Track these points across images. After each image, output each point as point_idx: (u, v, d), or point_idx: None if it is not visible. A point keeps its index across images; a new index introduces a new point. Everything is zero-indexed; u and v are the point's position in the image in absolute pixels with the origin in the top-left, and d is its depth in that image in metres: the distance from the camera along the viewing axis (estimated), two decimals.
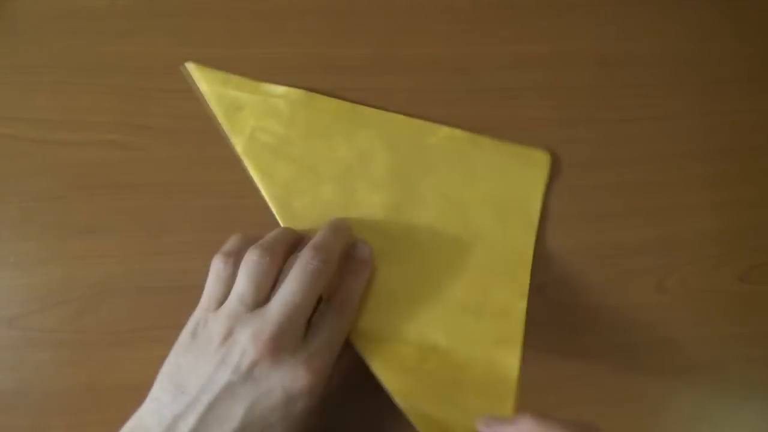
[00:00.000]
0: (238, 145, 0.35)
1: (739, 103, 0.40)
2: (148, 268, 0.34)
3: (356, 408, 0.34)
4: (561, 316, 0.36)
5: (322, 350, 0.28)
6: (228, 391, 0.27)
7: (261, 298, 0.28)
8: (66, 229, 0.35)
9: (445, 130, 0.37)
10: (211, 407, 0.27)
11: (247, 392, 0.27)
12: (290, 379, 0.27)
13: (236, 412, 0.26)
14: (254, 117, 0.36)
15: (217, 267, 0.29)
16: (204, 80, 0.36)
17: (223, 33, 0.37)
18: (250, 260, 0.29)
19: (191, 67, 0.36)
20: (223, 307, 0.28)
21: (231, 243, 0.30)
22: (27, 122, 0.36)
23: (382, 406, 0.34)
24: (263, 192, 0.35)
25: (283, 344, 0.27)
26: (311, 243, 0.30)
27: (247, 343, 0.27)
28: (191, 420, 0.26)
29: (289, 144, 0.35)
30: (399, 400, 0.31)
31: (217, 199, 0.36)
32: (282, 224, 0.34)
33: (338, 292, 0.31)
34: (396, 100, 0.37)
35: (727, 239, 0.38)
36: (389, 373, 0.32)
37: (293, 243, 0.31)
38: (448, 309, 0.33)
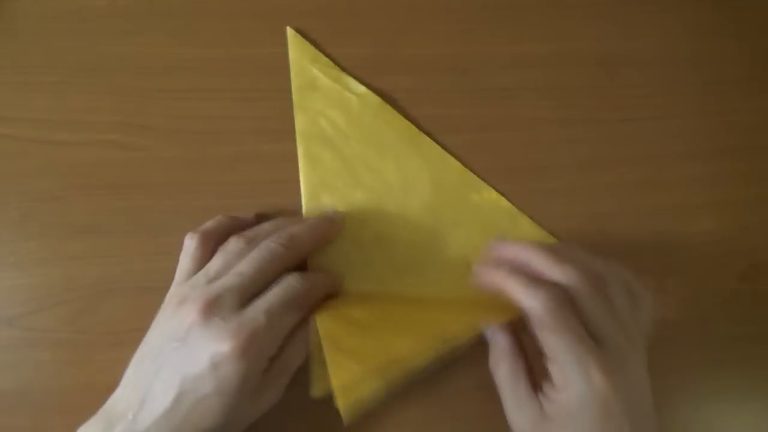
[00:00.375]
0: (299, 121, 0.36)
1: (739, 103, 0.40)
2: (148, 268, 0.34)
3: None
4: None
5: (255, 320, 0.27)
6: (167, 357, 0.27)
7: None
8: (66, 229, 0.35)
9: (491, 194, 0.36)
10: (156, 375, 0.27)
11: (180, 358, 0.27)
12: (215, 343, 0.26)
13: (173, 381, 0.26)
14: (324, 102, 0.36)
15: (187, 244, 0.31)
16: (295, 49, 0.37)
17: (223, 33, 0.38)
18: (230, 248, 0.30)
19: (290, 33, 0.37)
20: (191, 279, 0.29)
21: (209, 224, 0.32)
22: (27, 122, 0.36)
23: (382, 404, 0.34)
24: (300, 174, 0.35)
25: (216, 310, 0.27)
26: (285, 229, 0.31)
27: (189, 307, 0.27)
28: (142, 389, 0.27)
29: (344, 140, 0.36)
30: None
31: (217, 199, 0.36)
32: (304, 212, 0.35)
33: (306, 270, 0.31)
34: (396, 100, 0.38)
35: (727, 239, 0.38)
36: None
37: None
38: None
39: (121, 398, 0.28)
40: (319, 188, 0.35)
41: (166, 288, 0.31)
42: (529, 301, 0.27)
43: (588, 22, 0.40)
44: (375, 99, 0.37)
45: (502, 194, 0.37)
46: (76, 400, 0.33)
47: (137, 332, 0.31)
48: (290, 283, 0.29)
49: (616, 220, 0.38)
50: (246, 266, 0.29)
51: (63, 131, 0.36)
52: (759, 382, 0.36)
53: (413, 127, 0.37)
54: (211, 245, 0.31)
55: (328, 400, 0.34)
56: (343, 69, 0.38)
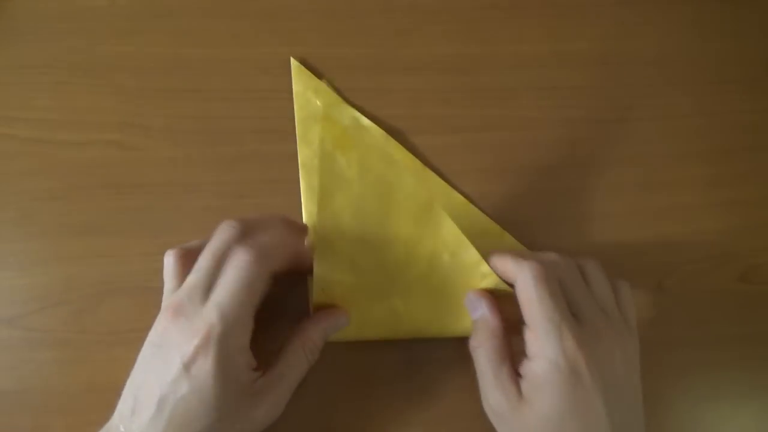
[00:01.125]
0: (301, 154, 0.36)
1: (739, 103, 0.40)
2: (148, 268, 0.34)
3: (355, 408, 0.34)
4: None
5: (208, 317, 0.26)
6: (148, 365, 0.27)
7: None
8: (66, 229, 0.35)
9: (496, 229, 0.36)
10: (140, 386, 0.27)
11: (158, 365, 0.27)
12: (184, 344, 0.26)
13: (154, 388, 0.26)
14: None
15: (166, 262, 0.29)
16: (299, 81, 0.37)
17: (223, 33, 0.38)
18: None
19: (294, 64, 0.37)
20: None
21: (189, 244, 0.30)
22: (27, 122, 0.36)
23: (382, 405, 0.34)
24: (303, 206, 0.35)
25: (181, 310, 0.27)
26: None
27: (162, 315, 0.27)
28: (130, 401, 0.27)
29: (347, 174, 0.33)
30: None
31: (218, 199, 0.36)
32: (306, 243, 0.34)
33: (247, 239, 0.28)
34: (396, 100, 0.38)
35: (727, 239, 0.38)
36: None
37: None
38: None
39: (118, 412, 0.28)
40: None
41: None
42: (518, 270, 0.29)
43: (588, 22, 0.40)
44: (379, 132, 0.37)
45: (503, 194, 0.37)
46: (77, 399, 0.33)
47: (137, 332, 0.31)
48: (238, 264, 0.27)
49: (616, 220, 0.38)
50: (202, 260, 0.28)
51: (63, 131, 0.36)
52: (759, 382, 0.36)
53: (417, 161, 0.37)
54: (191, 259, 0.29)
55: (329, 403, 0.34)
56: (343, 69, 0.38)
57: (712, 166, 0.39)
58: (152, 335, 0.28)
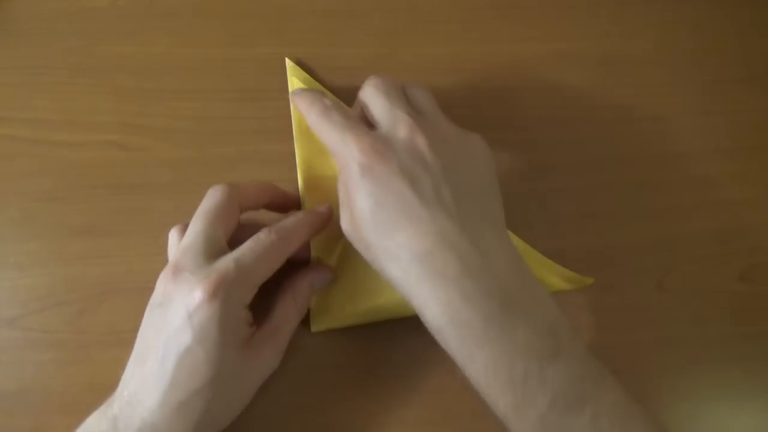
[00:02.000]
0: (298, 152, 0.35)
1: (739, 103, 0.40)
2: (148, 269, 0.34)
3: (354, 407, 0.34)
4: None
5: (225, 266, 0.27)
6: (149, 324, 0.28)
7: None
8: (66, 229, 0.35)
9: None
10: (141, 345, 0.28)
11: (160, 320, 0.27)
12: (188, 295, 0.26)
13: (156, 343, 0.27)
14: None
15: (169, 237, 0.31)
16: (294, 81, 0.36)
17: (223, 33, 0.38)
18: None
19: (289, 64, 0.37)
20: None
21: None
22: (27, 123, 0.36)
23: (381, 405, 0.34)
24: (301, 202, 0.35)
25: (183, 266, 0.27)
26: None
27: (161, 277, 0.28)
28: (132, 363, 0.28)
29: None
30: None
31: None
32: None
33: (272, 225, 0.30)
34: None
35: (727, 239, 0.38)
36: None
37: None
38: None
39: (121, 380, 0.28)
40: None
41: None
42: (308, 114, 0.31)
43: (588, 21, 0.40)
44: None
45: (503, 194, 0.37)
46: (77, 400, 0.33)
47: (137, 332, 0.31)
48: (260, 237, 0.29)
49: (616, 220, 0.38)
50: (203, 223, 0.29)
51: (63, 131, 0.36)
52: (759, 381, 0.36)
53: None
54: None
55: (329, 402, 0.34)
56: (343, 69, 0.38)
57: (712, 166, 0.39)
58: (152, 299, 0.28)
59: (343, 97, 0.37)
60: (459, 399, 0.34)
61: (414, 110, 0.30)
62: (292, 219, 0.31)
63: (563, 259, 0.36)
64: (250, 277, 0.28)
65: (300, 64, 0.38)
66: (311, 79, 0.37)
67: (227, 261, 0.27)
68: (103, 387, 0.33)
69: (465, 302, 0.25)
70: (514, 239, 0.34)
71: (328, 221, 0.32)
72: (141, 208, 0.35)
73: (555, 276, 0.34)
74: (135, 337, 0.31)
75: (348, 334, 0.34)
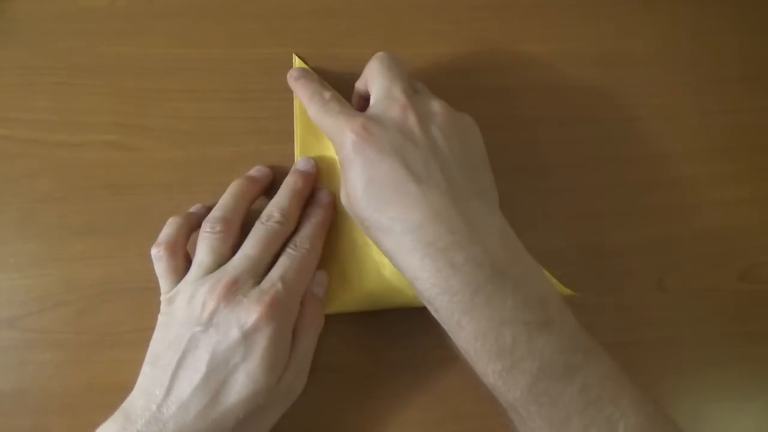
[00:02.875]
0: (297, 151, 0.36)
1: (738, 102, 0.40)
2: (148, 269, 0.34)
3: (355, 408, 0.34)
4: None
5: (274, 287, 0.29)
6: (192, 343, 0.28)
7: (222, 263, 0.30)
8: (66, 230, 0.35)
9: None
10: (180, 363, 0.28)
11: (209, 339, 0.28)
12: (244, 316, 0.28)
13: (202, 360, 0.27)
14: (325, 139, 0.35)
15: (157, 258, 0.31)
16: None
17: (223, 33, 0.38)
18: (204, 233, 0.31)
19: (296, 60, 0.37)
20: (185, 277, 0.30)
21: (168, 230, 0.32)
22: (27, 123, 0.36)
23: (382, 405, 0.34)
24: None
25: (235, 289, 0.29)
26: (272, 202, 0.32)
27: (206, 296, 0.28)
28: (165, 379, 0.28)
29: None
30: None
31: (217, 200, 0.35)
32: None
33: (294, 236, 0.32)
34: None
35: (727, 238, 0.38)
36: None
37: (243, 210, 0.33)
38: None
39: (140, 395, 0.28)
40: None
41: None
42: (308, 106, 0.32)
43: (587, 21, 0.40)
44: None
45: (503, 194, 0.37)
46: (77, 400, 0.33)
47: (138, 333, 0.31)
48: (292, 253, 0.31)
49: (616, 220, 0.38)
50: (251, 248, 0.30)
51: (63, 132, 0.36)
52: (759, 381, 0.36)
53: None
54: (180, 251, 0.32)
55: (328, 402, 0.34)
56: (343, 69, 0.38)
57: (711, 165, 0.39)
58: (189, 317, 0.29)
59: (343, 96, 0.37)
60: (459, 399, 0.34)
61: (411, 89, 0.31)
62: (310, 225, 0.32)
63: (563, 259, 0.36)
64: (295, 293, 0.30)
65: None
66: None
67: (274, 281, 0.29)
68: (102, 387, 0.33)
69: (454, 272, 0.26)
70: None
71: (335, 204, 0.34)
72: (141, 208, 0.35)
73: None
74: (134, 337, 0.31)
75: (348, 334, 0.34)
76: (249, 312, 0.28)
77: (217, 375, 0.27)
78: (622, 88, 0.40)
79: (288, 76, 0.35)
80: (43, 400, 0.33)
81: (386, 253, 0.29)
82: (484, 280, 0.26)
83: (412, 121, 0.29)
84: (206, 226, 0.31)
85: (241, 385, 0.27)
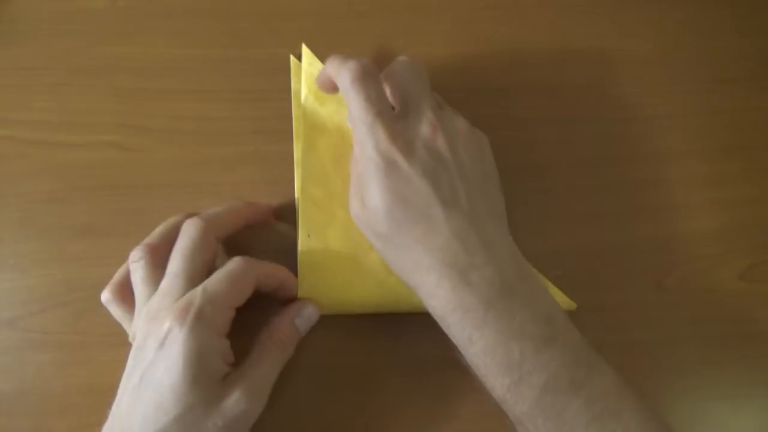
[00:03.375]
0: (296, 151, 0.36)
1: (739, 102, 0.40)
2: None
3: (355, 408, 0.34)
4: None
5: (190, 295, 0.27)
6: (128, 367, 0.28)
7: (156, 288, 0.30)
8: (66, 230, 0.35)
9: None
10: (120, 391, 0.28)
11: (136, 359, 0.27)
12: (158, 326, 0.27)
13: (133, 380, 0.27)
14: (324, 136, 0.35)
15: (106, 305, 0.31)
16: (297, 79, 0.36)
17: (222, 33, 0.38)
18: (130, 265, 0.31)
19: (294, 63, 0.37)
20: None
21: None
22: (26, 124, 0.36)
23: (382, 405, 0.34)
24: (297, 200, 0.35)
25: (160, 308, 0.28)
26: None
27: (141, 324, 0.28)
28: (112, 409, 0.28)
29: (341, 174, 0.34)
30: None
31: (217, 200, 0.35)
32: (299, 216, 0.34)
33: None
34: None
35: (728, 238, 0.38)
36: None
37: (169, 237, 0.32)
38: None
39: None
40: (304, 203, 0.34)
41: None
42: (338, 74, 0.30)
43: (587, 21, 0.40)
44: None
45: (503, 194, 0.37)
46: (77, 401, 0.33)
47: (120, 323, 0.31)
48: (227, 263, 0.29)
49: (616, 220, 0.38)
50: (178, 263, 0.29)
51: (63, 132, 0.36)
52: (759, 381, 0.36)
53: None
54: (127, 290, 0.31)
55: (328, 402, 0.34)
56: None
57: (711, 165, 0.39)
58: (135, 344, 0.28)
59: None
60: (459, 399, 0.34)
61: (437, 103, 0.32)
62: (220, 209, 0.32)
63: (563, 259, 0.36)
64: (219, 302, 0.28)
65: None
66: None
67: (194, 290, 0.28)
68: (102, 388, 0.33)
69: (469, 290, 0.27)
70: None
71: (268, 214, 0.35)
72: (140, 209, 0.35)
73: None
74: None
75: (348, 334, 0.34)
76: (163, 320, 0.27)
77: (145, 394, 0.26)
78: (622, 87, 0.40)
79: (342, 75, 0.30)
80: (43, 400, 0.33)
81: (399, 269, 0.29)
82: (496, 297, 0.27)
83: (440, 141, 0.29)
84: (131, 257, 0.31)
85: (171, 403, 0.26)
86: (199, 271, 0.29)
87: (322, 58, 0.38)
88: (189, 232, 0.30)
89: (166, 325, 0.26)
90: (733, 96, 0.40)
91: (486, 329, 0.27)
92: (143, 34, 0.37)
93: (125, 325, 0.31)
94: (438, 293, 0.28)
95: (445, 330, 0.29)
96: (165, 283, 0.29)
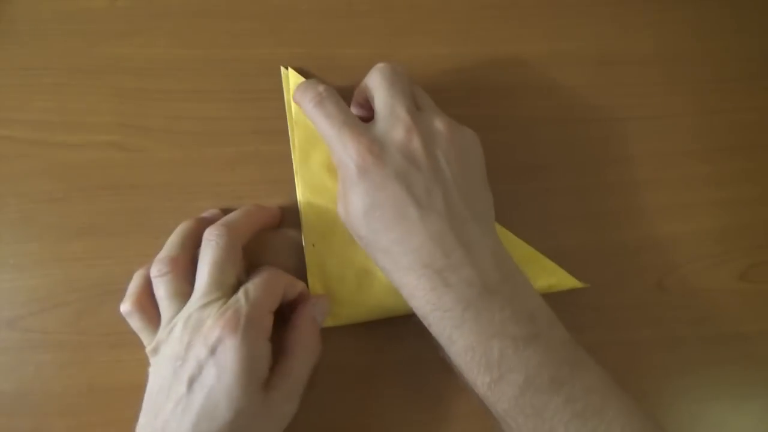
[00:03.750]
0: (294, 158, 0.36)
1: (739, 102, 0.40)
2: None
3: (355, 408, 0.34)
4: (561, 316, 0.36)
5: (235, 303, 0.28)
6: (174, 378, 0.28)
7: (184, 300, 0.30)
8: (66, 230, 0.35)
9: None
10: (151, 398, 0.28)
11: (184, 369, 0.27)
12: (208, 334, 0.27)
13: (178, 387, 0.27)
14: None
15: (126, 317, 0.31)
16: (289, 88, 0.37)
17: (222, 34, 0.37)
18: (154, 279, 0.30)
19: (283, 73, 0.37)
20: (160, 325, 0.30)
21: (130, 286, 0.32)
22: (27, 124, 0.36)
23: (382, 405, 0.34)
24: (299, 201, 0.35)
25: (199, 321, 0.28)
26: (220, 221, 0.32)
27: (182, 332, 0.28)
28: (145, 415, 0.28)
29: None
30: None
31: (217, 200, 0.36)
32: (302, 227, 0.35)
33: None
34: None
35: (727, 238, 0.38)
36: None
37: (191, 246, 0.32)
38: None
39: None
40: (309, 208, 0.35)
41: None
42: (302, 103, 0.32)
43: (588, 21, 0.40)
44: None
45: (503, 194, 0.37)
46: (77, 401, 0.33)
47: (137, 334, 0.31)
48: (260, 269, 0.31)
49: (616, 220, 0.38)
50: (212, 273, 0.29)
51: (62, 132, 0.36)
52: (759, 382, 0.36)
53: None
54: (147, 300, 0.31)
55: (328, 402, 0.34)
56: (343, 69, 0.38)
57: (711, 165, 0.39)
58: (171, 356, 0.28)
59: (343, 97, 0.37)
60: (459, 399, 0.34)
61: (415, 104, 0.31)
62: (238, 212, 0.33)
63: (563, 259, 0.36)
64: (263, 307, 0.29)
65: (299, 64, 0.37)
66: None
67: (236, 298, 0.28)
68: (102, 388, 0.33)
69: (447, 291, 0.28)
70: (511, 237, 0.35)
71: (279, 217, 0.35)
72: (141, 209, 0.35)
73: (548, 273, 0.35)
74: (134, 338, 0.31)
75: (348, 334, 0.34)
76: (211, 330, 0.27)
77: (196, 401, 0.26)
78: (622, 87, 0.40)
79: (294, 95, 0.33)
80: (43, 400, 0.33)
81: (383, 270, 0.30)
82: (475, 297, 0.27)
83: (416, 144, 0.29)
84: (153, 271, 0.31)
85: (218, 406, 0.26)
86: (233, 280, 0.30)
87: (323, 58, 0.38)
88: (217, 242, 0.30)
89: (216, 333, 0.27)
90: (733, 96, 0.40)
91: (465, 328, 0.27)
92: (143, 34, 0.37)
93: (144, 335, 0.31)
94: (417, 294, 0.28)
95: (429, 329, 0.29)
96: (201, 294, 0.29)
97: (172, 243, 0.32)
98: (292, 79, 0.36)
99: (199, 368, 0.27)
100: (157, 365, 0.29)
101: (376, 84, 0.31)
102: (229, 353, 0.27)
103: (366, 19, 0.39)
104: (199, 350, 0.27)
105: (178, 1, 0.38)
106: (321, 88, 0.31)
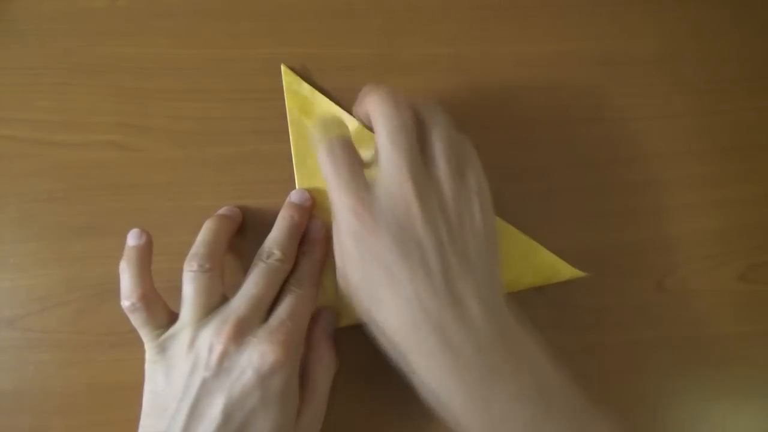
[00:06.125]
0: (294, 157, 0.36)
1: (739, 102, 0.40)
2: None
3: (355, 408, 0.34)
4: (561, 316, 0.36)
5: (283, 325, 0.28)
6: (204, 389, 0.27)
7: (217, 301, 0.30)
8: (66, 229, 0.35)
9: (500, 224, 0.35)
10: (192, 411, 0.27)
11: (221, 384, 0.27)
12: (257, 357, 0.27)
13: (216, 406, 0.26)
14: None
15: (129, 313, 0.30)
16: (290, 90, 0.37)
17: (223, 33, 0.37)
18: (192, 273, 0.30)
19: (284, 70, 0.37)
20: (179, 320, 0.30)
21: (128, 281, 0.31)
22: (27, 123, 0.36)
23: (382, 405, 0.34)
24: None
25: (244, 329, 0.28)
26: (270, 238, 0.32)
27: (212, 339, 0.28)
28: (177, 430, 0.26)
29: None
30: None
31: (217, 200, 0.36)
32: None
33: (294, 274, 0.32)
34: None
35: (728, 238, 0.38)
36: None
37: (224, 245, 0.32)
38: None
39: None
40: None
41: (167, 288, 0.31)
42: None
43: (588, 21, 0.40)
44: (367, 134, 0.36)
45: (502, 193, 0.37)
46: (77, 401, 0.33)
47: (137, 333, 0.31)
48: (295, 290, 0.31)
49: (617, 220, 0.38)
50: (255, 287, 0.30)
51: (63, 132, 0.36)
52: (759, 382, 0.36)
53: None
54: (152, 296, 0.31)
55: (328, 402, 0.34)
56: (343, 69, 0.38)
57: (712, 165, 0.39)
58: (193, 363, 0.28)
59: (343, 97, 0.37)
60: None
61: (422, 156, 0.29)
62: (308, 263, 0.33)
63: (563, 259, 0.36)
64: (302, 332, 0.30)
65: (299, 64, 0.37)
66: (309, 87, 0.37)
67: (282, 319, 0.29)
68: (103, 388, 0.33)
69: (446, 375, 0.26)
70: (510, 229, 0.35)
71: (329, 236, 0.33)
72: (141, 208, 0.35)
73: (547, 265, 0.35)
74: (135, 338, 0.31)
75: (348, 334, 0.34)
76: (263, 353, 0.27)
77: (233, 421, 0.26)
78: (622, 88, 0.39)
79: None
80: (43, 400, 0.33)
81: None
82: (477, 383, 0.26)
83: (416, 213, 0.27)
84: (193, 265, 0.30)
85: (260, 429, 0.26)
86: (267, 297, 0.30)
87: (323, 58, 0.38)
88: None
89: (269, 357, 0.27)
90: (733, 96, 0.40)
91: (469, 419, 0.27)
92: (144, 33, 0.37)
93: (145, 330, 0.30)
94: (418, 371, 0.27)
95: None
96: (239, 302, 0.29)
97: (207, 240, 0.31)
98: (285, 78, 0.37)
99: (243, 391, 0.27)
100: (166, 365, 0.29)
101: (375, 116, 0.29)
102: (280, 383, 0.27)
103: (366, 19, 0.39)
104: (245, 371, 0.27)
105: (178, 1, 0.38)
106: (334, 141, 0.29)
